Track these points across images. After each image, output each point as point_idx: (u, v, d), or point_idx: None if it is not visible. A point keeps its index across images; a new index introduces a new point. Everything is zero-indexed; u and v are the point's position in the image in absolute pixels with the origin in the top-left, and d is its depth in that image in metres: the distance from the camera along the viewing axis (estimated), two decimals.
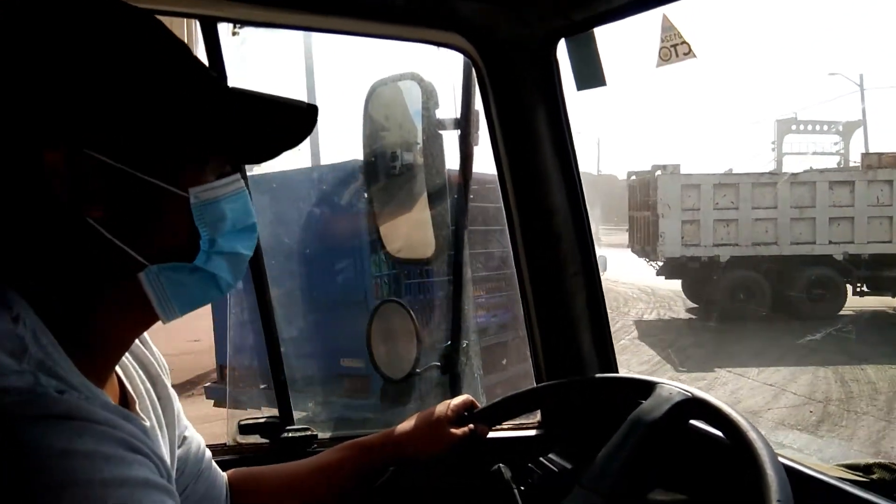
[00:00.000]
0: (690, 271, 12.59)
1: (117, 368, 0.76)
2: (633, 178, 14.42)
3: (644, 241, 13.38)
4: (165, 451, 0.82)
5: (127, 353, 0.81)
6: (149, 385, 0.85)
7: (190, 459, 0.95)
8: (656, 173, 12.62)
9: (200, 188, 0.67)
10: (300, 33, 1.33)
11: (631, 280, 15.45)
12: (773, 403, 7.35)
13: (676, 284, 13.65)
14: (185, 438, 0.95)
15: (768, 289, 12.12)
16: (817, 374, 8.28)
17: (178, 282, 0.67)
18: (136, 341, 0.85)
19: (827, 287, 11.99)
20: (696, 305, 13.13)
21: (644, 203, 13.21)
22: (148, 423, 0.78)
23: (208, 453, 1.01)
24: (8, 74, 0.59)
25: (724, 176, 12.84)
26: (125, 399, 0.77)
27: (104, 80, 0.62)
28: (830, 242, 11.99)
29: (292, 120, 0.74)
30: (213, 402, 5.52)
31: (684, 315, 12.84)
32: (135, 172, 0.63)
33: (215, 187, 0.69)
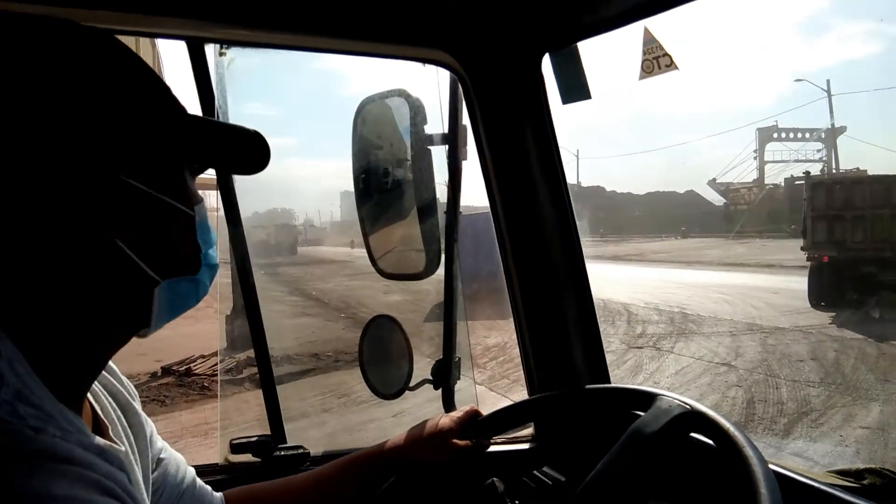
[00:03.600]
0: None
1: (89, 395, 0.77)
2: (813, 176, 14.41)
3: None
4: (139, 477, 0.82)
5: (96, 382, 0.81)
6: (119, 413, 0.85)
7: (168, 482, 0.95)
8: None
9: (200, 206, 0.73)
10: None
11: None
12: None
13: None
14: (160, 461, 0.95)
15: None
16: None
17: (177, 293, 0.71)
18: (104, 371, 0.86)
19: None
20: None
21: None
22: (123, 449, 0.78)
23: (191, 472, 1.01)
24: (51, 111, 0.61)
25: None
26: (98, 425, 0.78)
27: (131, 112, 0.66)
28: None
29: (249, 145, 0.79)
30: None
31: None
32: (157, 195, 0.67)
33: (203, 206, 0.74)
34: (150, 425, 0.92)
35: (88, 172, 0.62)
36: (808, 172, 15.27)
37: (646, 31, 1.19)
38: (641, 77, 1.20)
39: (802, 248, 14.26)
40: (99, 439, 0.67)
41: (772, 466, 0.85)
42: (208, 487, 1.04)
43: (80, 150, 0.62)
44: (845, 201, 13.76)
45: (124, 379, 0.90)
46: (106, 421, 0.80)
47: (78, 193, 0.62)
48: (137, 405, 0.90)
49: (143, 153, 0.67)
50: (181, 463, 1.00)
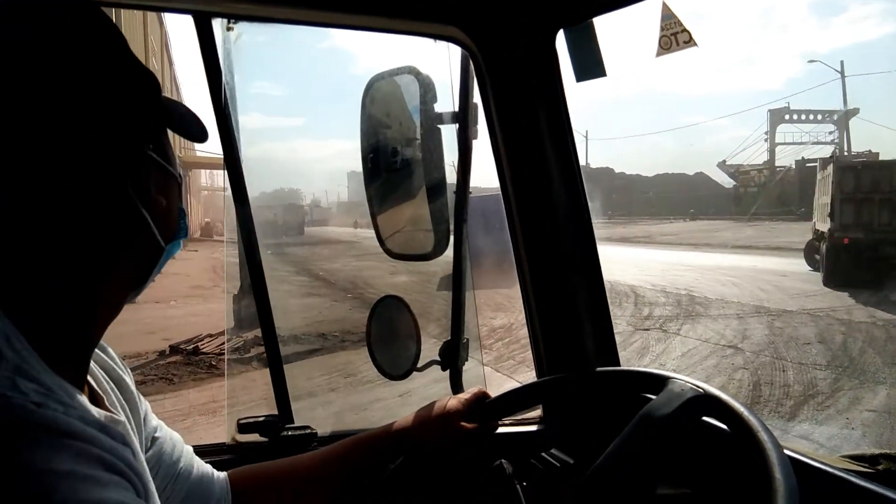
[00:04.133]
0: None
1: None
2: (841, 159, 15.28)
3: None
4: (138, 449, 0.82)
5: None
6: (113, 386, 0.86)
7: (164, 461, 0.95)
8: None
9: (181, 172, 0.77)
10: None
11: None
12: None
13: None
14: (155, 440, 0.95)
15: None
16: None
17: (168, 256, 0.76)
18: (96, 349, 0.86)
19: None
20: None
21: None
22: (122, 419, 0.78)
23: (188, 451, 1.01)
24: (87, 96, 0.64)
25: None
26: (94, 397, 0.78)
27: (148, 93, 0.70)
28: None
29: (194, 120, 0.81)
30: None
31: None
32: (168, 167, 0.73)
33: None
34: (144, 404, 0.93)
35: (114, 147, 0.65)
36: (834, 155, 15.64)
37: (664, 6, 1.16)
38: (659, 53, 1.18)
39: (829, 230, 14.56)
40: (99, 413, 0.67)
41: (786, 451, 0.83)
42: (209, 467, 1.03)
43: (110, 126, 0.65)
44: (872, 184, 14.22)
45: (115, 356, 0.91)
46: (100, 392, 0.80)
47: (104, 169, 0.65)
48: (130, 382, 0.90)
49: (153, 125, 0.71)
50: (177, 442, 0.99)
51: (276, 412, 1.45)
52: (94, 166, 0.63)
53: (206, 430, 6.19)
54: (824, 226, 14.86)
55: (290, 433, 1.40)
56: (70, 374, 0.66)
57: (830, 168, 15.03)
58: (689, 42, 1.15)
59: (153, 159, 0.71)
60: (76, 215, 0.63)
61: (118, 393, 0.86)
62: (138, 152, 0.68)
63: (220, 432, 1.45)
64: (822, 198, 15.29)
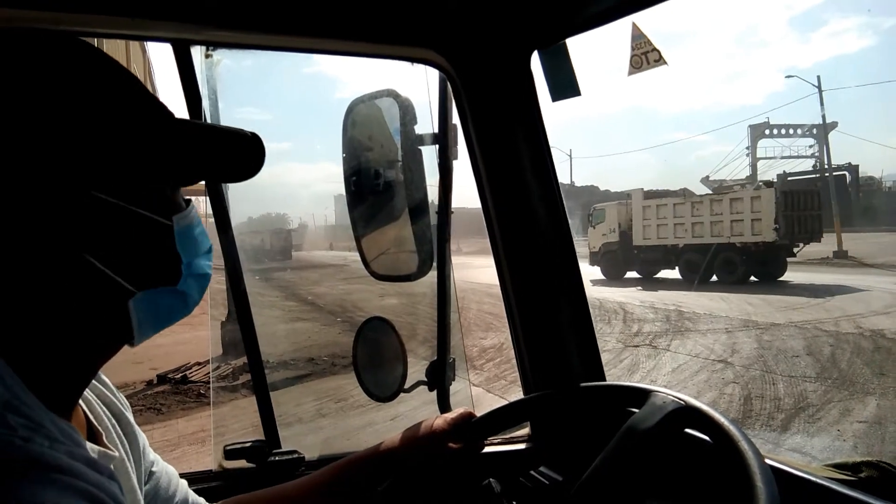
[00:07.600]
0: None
1: (81, 403, 0.77)
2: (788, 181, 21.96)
3: None
4: (135, 484, 0.82)
5: (89, 391, 0.82)
6: (114, 421, 0.86)
7: (160, 495, 0.95)
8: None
9: (180, 216, 0.71)
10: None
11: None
12: None
13: None
14: (152, 473, 0.95)
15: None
16: None
17: (158, 304, 0.70)
18: (95, 382, 0.86)
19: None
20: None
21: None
22: (117, 455, 0.78)
23: (183, 486, 1.01)
24: (18, 129, 0.61)
25: None
26: (92, 432, 0.78)
27: (100, 124, 0.64)
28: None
29: (243, 148, 0.77)
30: None
31: None
32: (128, 207, 0.65)
33: (188, 215, 0.73)
34: (142, 437, 0.93)
35: (57, 188, 0.61)
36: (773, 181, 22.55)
37: (634, 26, 1.19)
38: (630, 73, 1.20)
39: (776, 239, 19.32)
40: (91, 447, 0.67)
41: (768, 461, 0.84)
42: (202, 500, 1.03)
43: (49, 165, 0.61)
44: (793, 204, 19.83)
45: (115, 390, 0.91)
46: (100, 428, 0.80)
47: (46, 210, 0.61)
48: (130, 415, 0.91)
49: (115, 165, 0.65)
50: (173, 476, 1.00)
51: (263, 438, 1.44)
52: (20, 210, 0.60)
53: (196, 459, 6.12)
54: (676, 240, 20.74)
55: (277, 458, 1.39)
56: (63, 410, 0.66)
57: (770, 191, 20.13)
58: (660, 61, 1.18)
59: (104, 201, 0.64)
60: (13, 257, 0.61)
61: (118, 428, 0.86)
62: (75, 195, 0.62)
63: (210, 461, 1.44)
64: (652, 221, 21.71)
